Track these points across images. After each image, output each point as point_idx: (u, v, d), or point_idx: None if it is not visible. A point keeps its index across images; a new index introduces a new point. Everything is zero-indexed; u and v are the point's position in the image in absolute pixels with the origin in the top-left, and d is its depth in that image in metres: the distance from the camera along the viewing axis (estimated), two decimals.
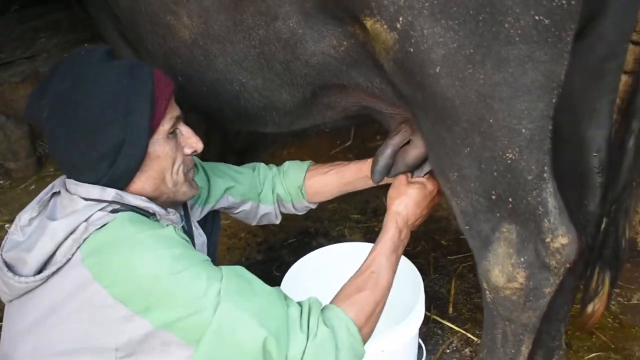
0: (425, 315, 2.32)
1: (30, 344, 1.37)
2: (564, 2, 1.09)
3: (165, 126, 1.45)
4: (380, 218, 1.68)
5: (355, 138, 3.63)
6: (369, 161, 1.83)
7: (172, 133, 1.48)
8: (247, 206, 1.96)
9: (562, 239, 1.40)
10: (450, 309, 2.40)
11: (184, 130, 1.52)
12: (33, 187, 3.41)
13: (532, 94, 1.20)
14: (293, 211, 2.05)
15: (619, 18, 1.37)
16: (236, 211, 1.97)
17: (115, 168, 1.40)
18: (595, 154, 1.53)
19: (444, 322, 2.34)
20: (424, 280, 2.48)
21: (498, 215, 1.43)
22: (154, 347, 1.32)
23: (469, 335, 2.26)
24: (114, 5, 1.81)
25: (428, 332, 2.30)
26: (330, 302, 1.49)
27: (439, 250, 2.73)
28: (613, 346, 2.19)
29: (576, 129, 1.55)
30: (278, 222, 2.08)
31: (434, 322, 2.34)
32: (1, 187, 3.44)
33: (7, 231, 2.95)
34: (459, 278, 2.55)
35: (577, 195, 1.62)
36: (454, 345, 2.24)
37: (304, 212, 2.09)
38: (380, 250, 1.61)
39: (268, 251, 2.86)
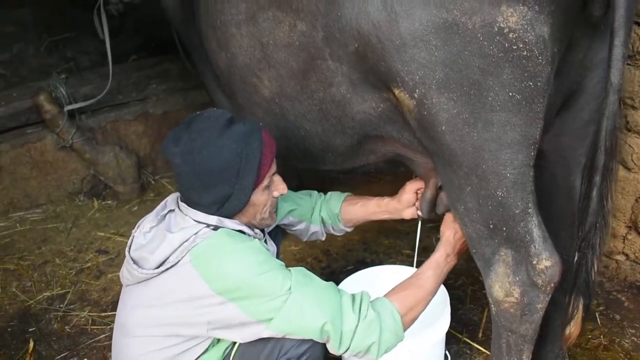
0: (457, 337, 2.69)
1: (142, 317, 1.85)
2: (531, 84, 1.50)
3: (264, 183, 1.90)
4: (429, 255, 2.08)
5: None
6: (387, 198, 2.30)
7: (267, 185, 1.93)
8: (302, 225, 2.39)
9: (545, 262, 1.74)
10: (480, 334, 2.72)
11: (275, 179, 1.97)
12: (136, 208, 3.98)
13: (513, 148, 1.59)
14: (332, 232, 2.44)
15: (594, 94, 1.74)
16: (293, 228, 2.40)
17: (222, 211, 1.85)
18: (579, 201, 1.88)
19: (473, 344, 2.65)
20: (460, 308, 2.85)
21: (496, 241, 1.79)
22: (235, 323, 1.77)
23: None
24: (215, 67, 2.33)
25: (458, 350, 2.63)
26: (384, 295, 1.91)
27: (476, 285, 3.05)
28: None
29: (567, 179, 1.91)
30: (323, 239, 2.49)
31: (464, 343, 2.66)
32: (109, 207, 4.01)
33: (114, 241, 3.58)
34: None
35: (568, 232, 1.97)
36: None
37: (342, 234, 2.48)
38: (429, 265, 2.02)
39: (329, 275, 3.24)
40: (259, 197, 1.90)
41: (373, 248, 3.46)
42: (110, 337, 2.82)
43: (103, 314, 3.02)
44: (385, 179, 4.07)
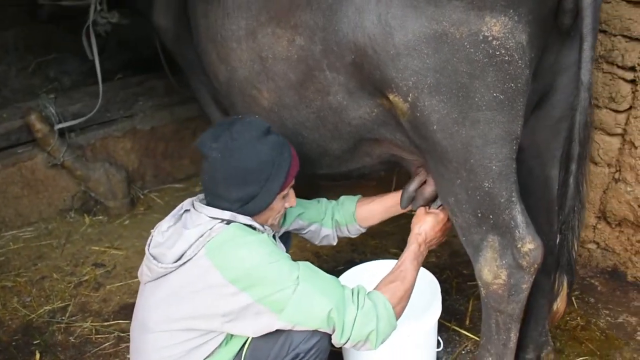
0: (447, 325, 2.87)
1: (161, 312, 1.98)
2: (512, 85, 1.70)
3: (284, 192, 2.09)
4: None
5: (396, 188, 4.21)
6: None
7: (285, 195, 2.11)
8: (312, 228, 2.53)
9: (529, 245, 1.93)
10: (467, 321, 2.91)
11: (290, 192, 2.16)
12: (127, 222, 4.05)
13: (497, 143, 1.79)
14: (347, 234, 2.58)
15: (565, 93, 1.95)
16: (304, 231, 2.55)
17: (243, 209, 2.01)
18: (557, 188, 2.09)
19: (461, 330, 2.84)
20: (447, 300, 3.04)
21: (484, 228, 1.98)
22: (249, 314, 1.91)
23: (480, 340, 2.76)
24: (214, 80, 2.48)
25: (448, 338, 2.81)
26: (373, 289, 2.07)
27: (460, 278, 3.25)
28: (598, 353, 2.65)
29: (543, 170, 2.11)
30: (335, 243, 2.62)
31: (453, 331, 2.85)
32: (101, 222, 4.06)
33: (109, 254, 3.66)
34: (476, 299, 3.03)
35: (546, 218, 2.17)
36: (468, 348, 2.75)
37: (357, 235, 2.62)
38: (406, 257, 2.19)
39: None
40: (277, 203, 2.08)
41: (361, 249, 3.63)
42: (115, 345, 2.95)
43: (106, 324, 3.11)
44: (369, 184, 4.27)
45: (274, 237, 2.29)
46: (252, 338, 2.01)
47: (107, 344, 2.98)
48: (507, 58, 1.66)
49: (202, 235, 1.93)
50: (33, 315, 3.20)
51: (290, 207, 2.20)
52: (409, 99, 1.81)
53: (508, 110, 1.74)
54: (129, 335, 2.93)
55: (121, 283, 3.42)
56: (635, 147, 2.79)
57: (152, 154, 4.32)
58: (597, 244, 3.15)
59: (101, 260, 3.65)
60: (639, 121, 2.75)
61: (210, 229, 1.94)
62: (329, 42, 1.92)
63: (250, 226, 2.03)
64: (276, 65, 2.11)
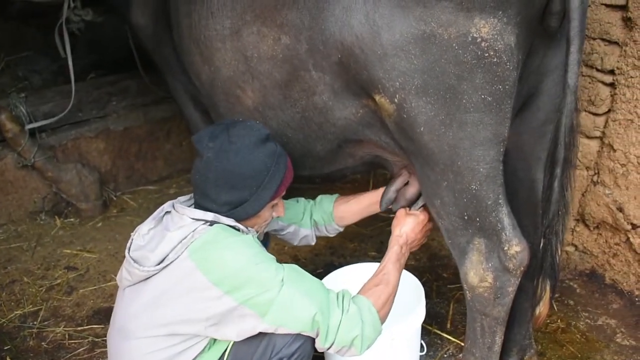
0: (428, 329, 2.85)
1: (144, 318, 1.92)
2: (500, 87, 1.69)
3: (274, 201, 2.06)
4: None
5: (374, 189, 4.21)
6: (380, 191, 2.40)
7: (274, 205, 2.08)
8: (291, 229, 2.50)
9: (516, 247, 1.93)
10: (448, 325, 2.90)
11: (279, 202, 2.12)
12: (100, 224, 3.96)
13: (485, 145, 1.77)
14: (325, 233, 2.56)
15: (550, 96, 1.95)
16: (283, 232, 2.51)
17: (231, 213, 1.97)
18: (542, 192, 2.09)
19: (442, 334, 2.83)
20: (428, 303, 2.99)
21: (470, 231, 1.96)
22: (233, 317, 1.86)
23: (462, 344, 2.73)
24: (196, 80, 2.43)
25: (430, 341, 2.79)
26: (357, 294, 2.03)
27: (440, 281, 3.25)
28: (579, 355, 2.65)
29: (528, 173, 2.11)
30: (313, 243, 2.60)
31: (434, 335, 2.83)
32: (72, 224, 3.97)
33: (81, 257, 3.56)
34: (456, 302, 3.04)
35: (531, 221, 2.16)
36: (450, 351, 2.74)
37: (335, 234, 2.60)
38: (389, 259, 2.16)
39: None
40: (265, 212, 2.05)
41: (339, 252, 3.61)
42: (89, 350, 2.87)
43: (79, 329, 3.02)
44: (345, 186, 4.25)
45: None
46: (234, 342, 1.96)
47: (81, 349, 2.89)
48: (495, 60, 1.65)
49: (185, 237, 1.88)
50: (3, 320, 3.09)
51: (280, 217, 2.17)
52: (396, 100, 1.79)
53: (496, 112, 1.73)
54: (103, 340, 2.90)
55: (95, 287, 3.33)
56: (614, 150, 2.81)
57: (125, 155, 4.24)
58: (576, 246, 3.17)
59: (73, 264, 3.56)
60: (617, 124, 2.77)
61: (193, 230, 1.89)
62: (315, 41, 1.89)
63: (233, 227, 1.98)
64: (261, 65, 2.07)
